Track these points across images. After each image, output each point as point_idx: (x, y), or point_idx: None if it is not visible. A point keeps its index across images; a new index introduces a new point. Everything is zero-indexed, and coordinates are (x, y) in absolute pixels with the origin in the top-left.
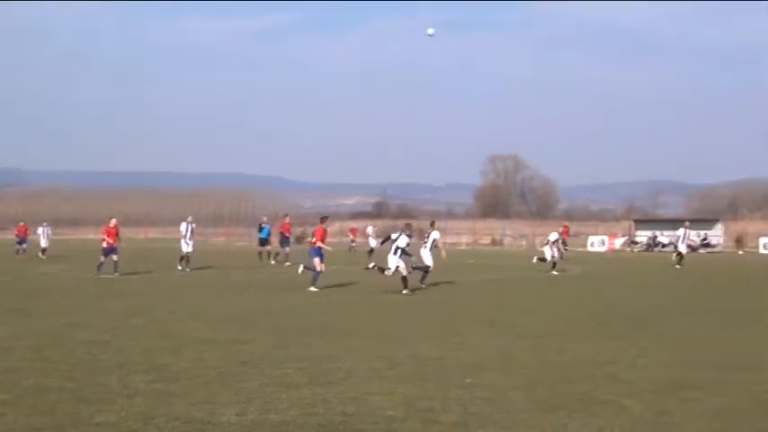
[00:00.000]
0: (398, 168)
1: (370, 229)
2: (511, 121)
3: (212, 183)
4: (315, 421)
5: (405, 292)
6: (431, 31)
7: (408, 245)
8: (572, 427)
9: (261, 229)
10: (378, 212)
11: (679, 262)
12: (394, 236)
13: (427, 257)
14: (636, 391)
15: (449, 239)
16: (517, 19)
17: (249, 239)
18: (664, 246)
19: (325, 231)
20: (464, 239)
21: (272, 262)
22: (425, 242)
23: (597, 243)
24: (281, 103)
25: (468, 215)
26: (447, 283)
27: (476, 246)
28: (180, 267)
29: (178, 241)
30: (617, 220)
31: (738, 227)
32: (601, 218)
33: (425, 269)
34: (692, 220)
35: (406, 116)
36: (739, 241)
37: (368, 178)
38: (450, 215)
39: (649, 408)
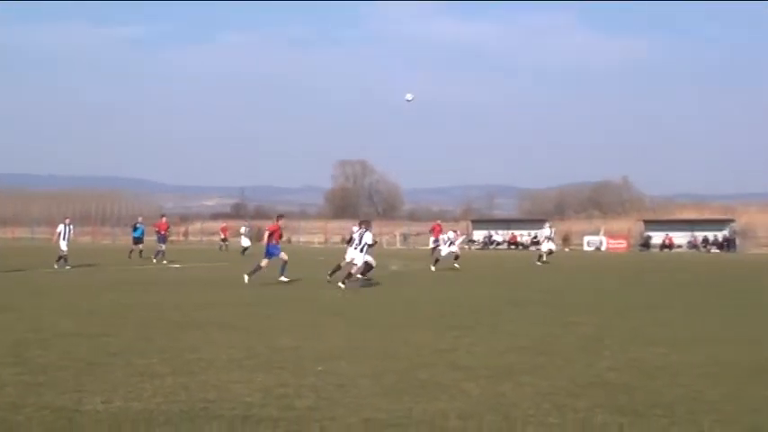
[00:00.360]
0: (257, 171)
1: (243, 229)
2: (360, 129)
3: (79, 185)
4: (177, 408)
5: (341, 285)
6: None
7: (375, 242)
8: (416, 410)
9: (135, 229)
10: (236, 213)
11: (539, 258)
12: (356, 235)
13: (357, 256)
14: (473, 377)
15: (302, 239)
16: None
17: (112, 238)
18: (498, 244)
19: (280, 229)
20: (316, 238)
21: (154, 260)
22: (354, 242)
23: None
24: (148, 108)
25: (320, 216)
26: (299, 279)
27: (327, 244)
28: (56, 266)
29: (50, 241)
30: (456, 220)
31: (565, 227)
32: (442, 218)
33: (367, 267)
34: (523, 221)
35: (265, 123)
36: (566, 240)
37: (227, 181)
38: (303, 216)
39: (486, 391)
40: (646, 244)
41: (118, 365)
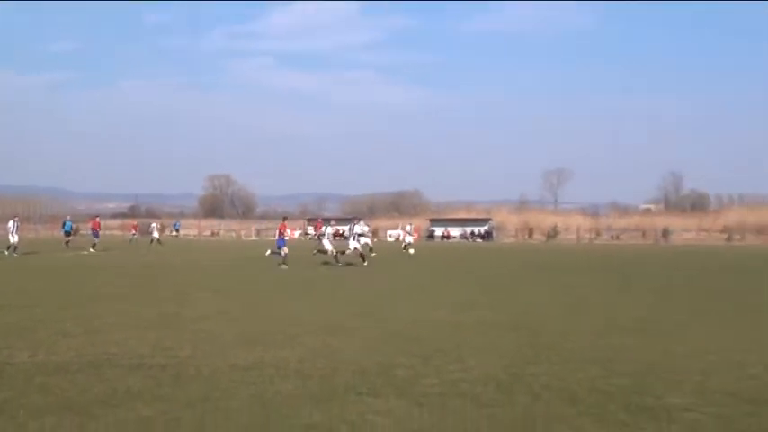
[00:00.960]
0: (147, 182)
1: (153, 225)
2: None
3: (4, 192)
4: (86, 360)
5: (365, 264)
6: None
7: (363, 233)
8: (267, 357)
9: (64, 225)
10: (132, 214)
11: (405, 248)
12: (347, 228)
13: (351, 243)
14: (310, 331)
15: (183, 232)
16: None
17: (35, 233)
18: (309, 235)
19: (285, 227)
20: (192, 232)
21: (91, 250)
22: (356, 233)
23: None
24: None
25: (194, 215)
26: (183, 262)
27: (200, 237)
28: (6, 252)
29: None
30: (295, 219)
31: (374, 223)
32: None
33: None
34: (347, 218)
35: (154, 144)
36: (374, 233)
37: (124, 189)
38: (181, 215)
39: (317, 341)
40: (431, 236)
41: (41, 329)
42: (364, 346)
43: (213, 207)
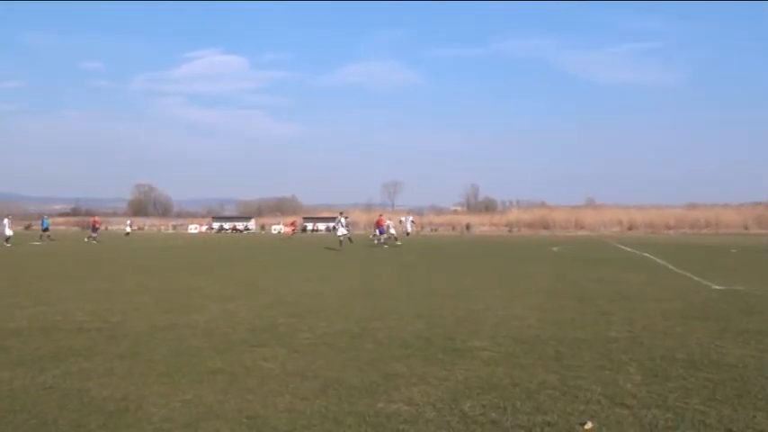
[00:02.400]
0: (87, 187)
1: (128, 223)
2: (150, 161)
3: None
4: (37, 325)
5: (339, 248)
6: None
7: (348, 225)
8: (181, 320)
9: (43, 222)
10: (74, 213)
11: (346, 241)
12: (337, 222)
13: (342, 232)
14: (214, 300)
15: (117, 227)
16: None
17: None
18: (226, 229)
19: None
20: (126, 228)
21: (93, 241)
22: (341, 224)
23: (192, 229)
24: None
25: (124, 215)
26: (117, 250)
27: (132, 228)
28: (7, 244)
29: None
30: (203, 216)
31: (263, 220)
32: (195, 216)
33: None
34: (242, 217)
35: (92, 159)
36: (263, 227)
37: (68, 193)
38: (113, 215)
39: (220, 308)
40: (304, 230)
41: None
42: (254, 311)
43: (139, 208)
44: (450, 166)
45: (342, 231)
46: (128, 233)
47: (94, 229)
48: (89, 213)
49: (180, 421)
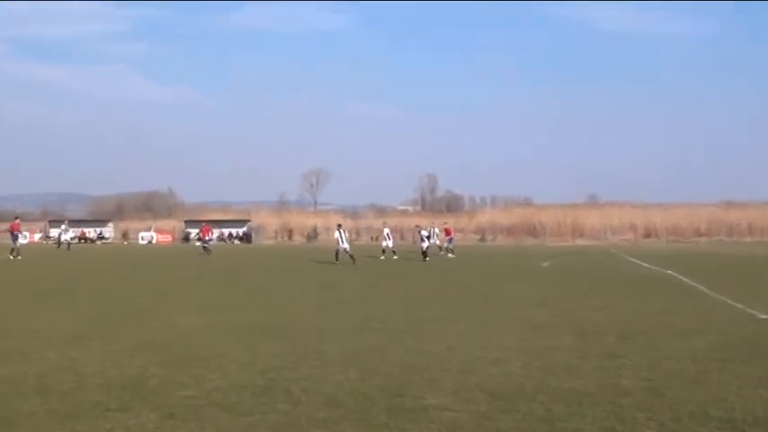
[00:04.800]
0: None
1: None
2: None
3: None
4: None
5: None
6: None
7: (389, 235)
8: (2, 372)
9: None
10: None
11: (206, 246)
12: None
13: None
14: (50, 342)
15: None
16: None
17: None
18: (72, 239)
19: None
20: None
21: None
22: (386, 235)
23: (21, 238)
24: None
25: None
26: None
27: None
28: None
29: None
30: (35, 220)
31: (125, 225)
32: (24, 218)
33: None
34: (94, 221)
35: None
36: (125, 235)
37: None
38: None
39: (59, 354)
40: (186, 238)
41: None
42: (113, 358)
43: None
44: (396, 149)
45: (344, 245)
46: None
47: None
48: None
49: None
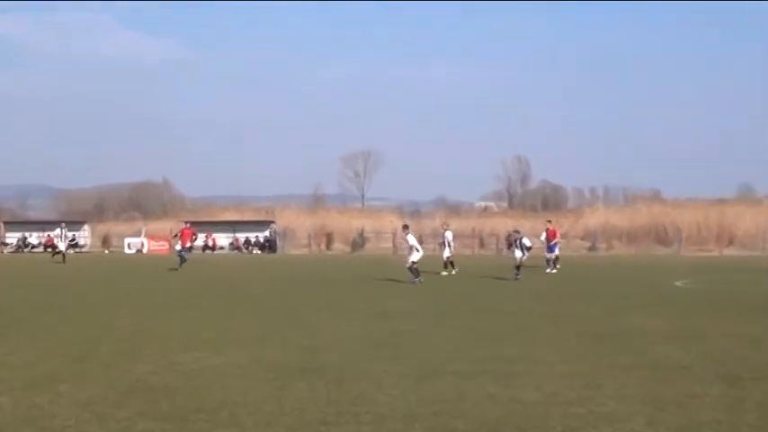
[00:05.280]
0: None
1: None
2: None
3: None
4: None
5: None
6: None
7: (447, 241)
8: None
9: None
10: None
11: (56, 256)
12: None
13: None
14: (8, 389)
15: None
16: None
17: None
18: (34, 246)
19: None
20: None
21: None
22: (446, 242)
23: None
24: None
25: None
26: None
27: None
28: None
29: None
30: None
31: (105, 227)
32: None
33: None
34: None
35: None
36: (106, 241)
37: None
38: None
39: (21, 403)
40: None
41: None
42: (87, 406)
43: None
44: (472, 125)
45: (415, 255)
46: None
47: None
48: None
49: None
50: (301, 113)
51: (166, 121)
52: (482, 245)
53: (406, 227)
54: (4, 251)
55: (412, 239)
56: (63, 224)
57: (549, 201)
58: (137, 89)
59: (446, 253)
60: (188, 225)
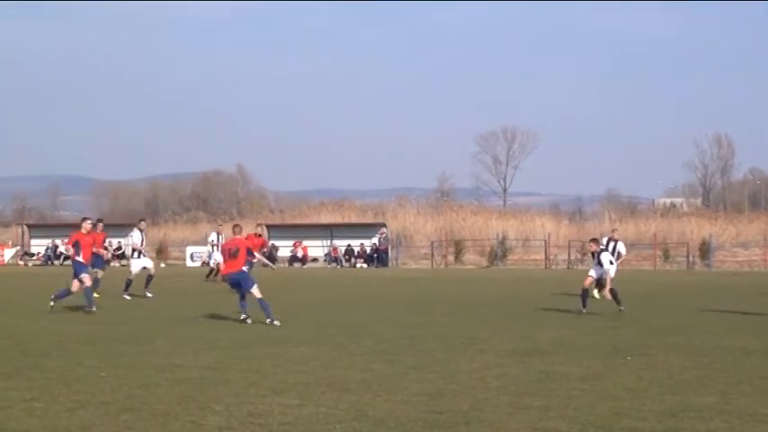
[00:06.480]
0: None
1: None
2: None
3: None
4: None
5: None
6: None
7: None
8: None
9: None
10: None
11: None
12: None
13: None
14: None
15: None
16: None
17: None
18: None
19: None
20: None
21: None
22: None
23: None
24: None
25: None
26: None
27: None
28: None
29: None
30: (6, 225)
31: (159, 232)
32: None
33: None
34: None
35: None
36: (161, 251)
37: None
38: None
39: None
40: (271, 256)
41: None
42: None
43: None
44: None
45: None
46: None
47: None
48: None
49: None
50: (420, 83)
51: (239, 95)
52: (666, 256)
53: (594, 241)
54: (29, 263)
55: (607, 258)
56: (143, 222)
57: (760, 197)
58: (197, 45)
59: (612, 270)
60: (258, 233)
